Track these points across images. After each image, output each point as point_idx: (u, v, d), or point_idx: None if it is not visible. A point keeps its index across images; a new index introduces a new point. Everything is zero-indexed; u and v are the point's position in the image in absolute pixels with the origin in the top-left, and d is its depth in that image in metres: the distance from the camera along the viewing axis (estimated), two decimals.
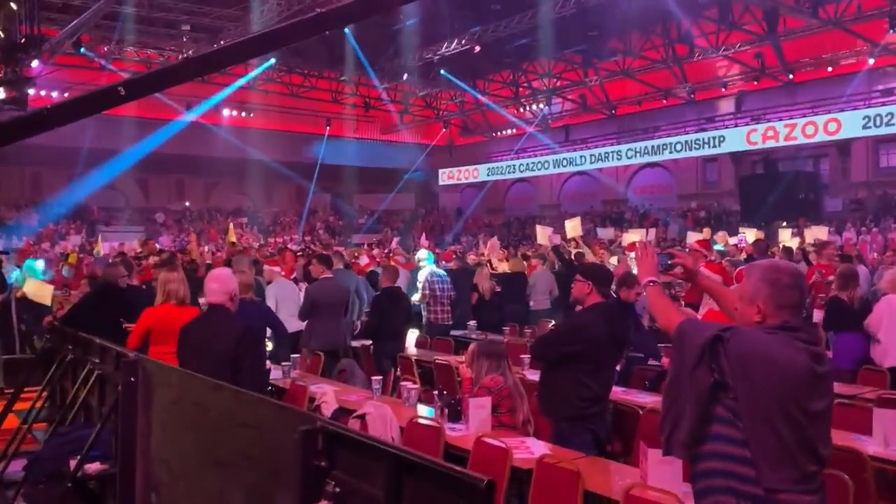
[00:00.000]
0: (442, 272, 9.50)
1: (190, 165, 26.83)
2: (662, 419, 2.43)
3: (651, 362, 7.01)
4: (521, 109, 29.84)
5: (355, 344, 8.33)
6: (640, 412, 4.80)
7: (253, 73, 24.33)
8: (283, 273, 9.16)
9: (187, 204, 29.51)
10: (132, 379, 4.04)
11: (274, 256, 11.79)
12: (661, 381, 6.32)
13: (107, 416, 4.26)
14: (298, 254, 12.33)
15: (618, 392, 5.13)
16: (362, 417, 4.35)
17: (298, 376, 6.35)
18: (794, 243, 13.08)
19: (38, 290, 8.39)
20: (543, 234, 12.83)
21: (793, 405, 2.19)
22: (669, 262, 3.02)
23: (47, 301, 8.17)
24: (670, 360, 2.50)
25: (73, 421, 4.98)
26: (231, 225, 11.47)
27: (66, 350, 5.84)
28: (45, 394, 6.00)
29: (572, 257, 11.35)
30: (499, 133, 32.46)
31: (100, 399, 4.92)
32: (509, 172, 30.82)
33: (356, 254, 13.93)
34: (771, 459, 2.17)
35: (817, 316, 8.73)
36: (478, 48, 21.82)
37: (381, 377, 5.74)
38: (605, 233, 14.51)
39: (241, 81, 24.79)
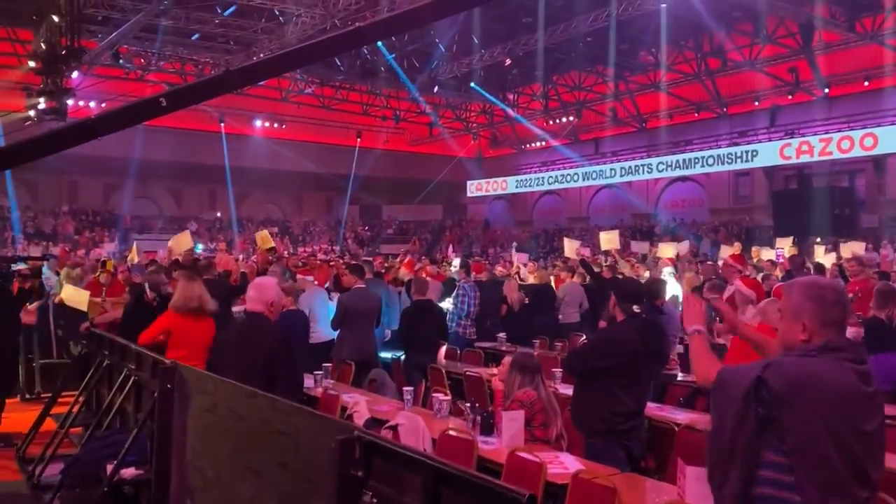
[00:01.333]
0: (466, 286, 9.46)
1: (222, 175, 27.18)
2: (710, 472, 2.36)
3: (682, 377, 6.92)
4: (551, 122, 29.80)
5: (385, 355, 8.33)
6: (676, 429, 4.73)
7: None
8: (315, 282, 9.22)
9: (218, 214, 29.89)
10: (168, 385, 4.09)
11: (304, 266, 11.86)
12: (695, 397, 6.24)
13: (143, 422, 4.31)
14: (331, 263, 12.41)
15: (652, 408, 5.06)
16: (394, 428, 4.34)
17: (330, 386, 6.36)
18: (828, 260, 12.86)
19: (74, 296, 8.53)
20: (571, 247, 12.78)
21: (844, 428, 2.13)
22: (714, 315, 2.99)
23: (84, 307, 8.31)
24: (711, 413, 2.43)
25: (110, 426, 5.06)
26: (266, 231, 11.50)
27: (103, 356, 5.94)
28: (81, 399, 6.11)
29: (603, 270, 11.27)
30: (528, 145, 32.42)
31: (136, 405, 4.99)
32: (538, 185, 30.76)
33: (391, 265, 13.95)
34: (823, 489, 2.10)
35: (850, 332, 8.55)
36: (508, 61, 21.86)
37: (412, 388, 5.73)
38: (640, 246, 14.39)
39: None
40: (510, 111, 28.46)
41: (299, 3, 17.30)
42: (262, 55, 19.03)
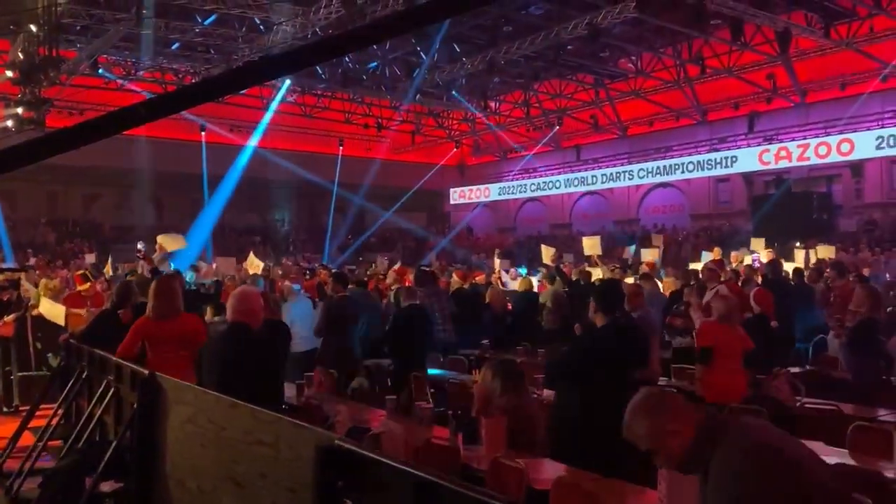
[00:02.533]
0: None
1: (203, 184, 27.02)
2: None
3: (664, 382, 6.97)
4: (531, 129, 29.97)
5: (369, 362, 8.32)
6: None
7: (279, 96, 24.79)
8: (301, 291, 9.21)
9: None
10: (148, 397, 4.06)
11: (290, 275, 11.84)
12: None
13: (122, 434, 4.27)
14: (315, 272, 12.39)
15: None
16: (377, 437, 4.34)
17: (312, 394, 6.34)
18: (800, 256, 13.01)
19: (52, 310, 8.44)
20: (548, 254, 12.81)
21: None
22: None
23: (60, 320, 8.23)
24: None
25: (89, 438, 5.00)
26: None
27: (82, 368, 5.88)
28: (60, 411, 6.04)
29: (577, 276, 11.32)
30: (510, 153, 32.56)
31: (115, 417, 4.94)
32: (520, 192, 30.89)
33: (374, 272, 13.93)
34: None
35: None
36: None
37: (395, 396, 5.73)
38: (627, 252, 14.45)
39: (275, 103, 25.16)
40: (486, 120, 28.57)
41: (280, 11, 17.30)
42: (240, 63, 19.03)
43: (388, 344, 7.69)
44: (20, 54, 15.78)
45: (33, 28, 14.55)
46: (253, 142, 25.97)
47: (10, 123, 15.01)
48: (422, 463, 4.14)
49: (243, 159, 25.69)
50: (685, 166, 24.87)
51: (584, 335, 4.85)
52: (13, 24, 15.47)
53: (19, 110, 14.86)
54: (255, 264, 12.15)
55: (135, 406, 4.20)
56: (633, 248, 14.76)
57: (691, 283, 9.46)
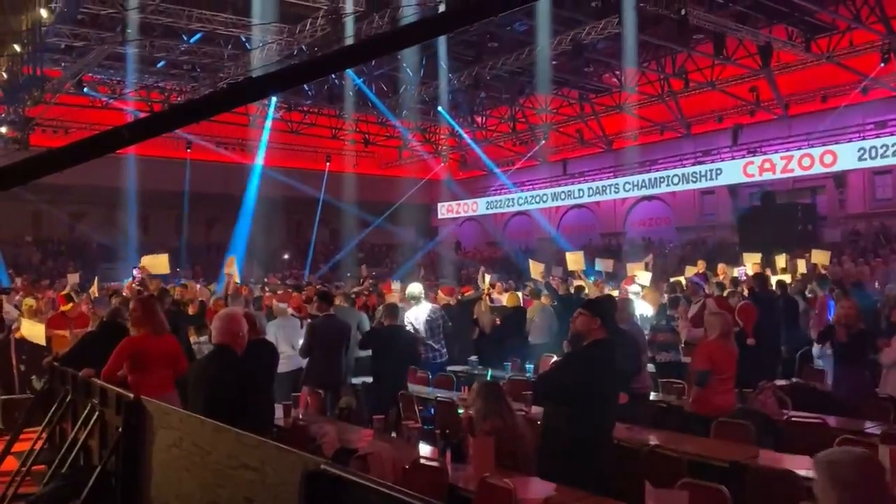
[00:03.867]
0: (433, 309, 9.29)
1: (190, 202, 26.95)
2: None
3: (653, 397, 6.99)
4: (518, 144, 30.13)
5: (356, 381, 8.28)
6: (645, 449, 4.76)
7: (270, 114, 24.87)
8: (290, 310, 9.17)
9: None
10: (132, 421, 4.03)
11: (277, 292, 11.78)
12: (664, 417, 6.29)
13: (107, 458, 4.23)
14: (299, 289, 12.33)
15: (621, 429, 5.09)
16: (364, 458, 4.31)
17: (299, 415, 6.30)
18: (781, 261, 13.05)
19: (32, 330, 8.36)
20: (536, 270, 12.78)
21: None
22: None
23: (41, 340, 8.14)
24: None
25: (73, 463, 4.94)
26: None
27: (66, 391, 5.82)
28: (44, 435, 5.96)
29: (571, 291, 11.34)
30: (497, 167, 32.67)
31: (100, 441, 4.89)
32: (508, 206, 30.97)
33: (361, 289, 13.88)
34: None
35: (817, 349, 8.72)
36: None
37: (382, 416, 5.70)
38: (605, 264, 14.38)
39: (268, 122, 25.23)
40: (467, 139, 28.70)
41: (265, 29, 17.33)
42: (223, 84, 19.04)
43: (371, 363, 7.64)
44: (4, 73, 15.74)
45: (17, 48, 14.52)
46: (259, 160, 25.97)
47: None
48: (410, 483, 4.13)
49: (255, 177, 25.71)
50: (670, 179, 25.01)
51: (575, 351, 4.82)
52: None
53: (3, 129, 14.81)
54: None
55: (120, 430, 4.16)
56: (597, 266, 14.53)
57: (677, 295, 9.51)
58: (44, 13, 13.88)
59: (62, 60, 18.84)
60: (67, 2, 14.07)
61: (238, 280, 11.43)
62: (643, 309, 9.32)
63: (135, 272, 10.18)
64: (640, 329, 7.54)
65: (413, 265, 26.19)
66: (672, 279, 11.81)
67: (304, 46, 17.54)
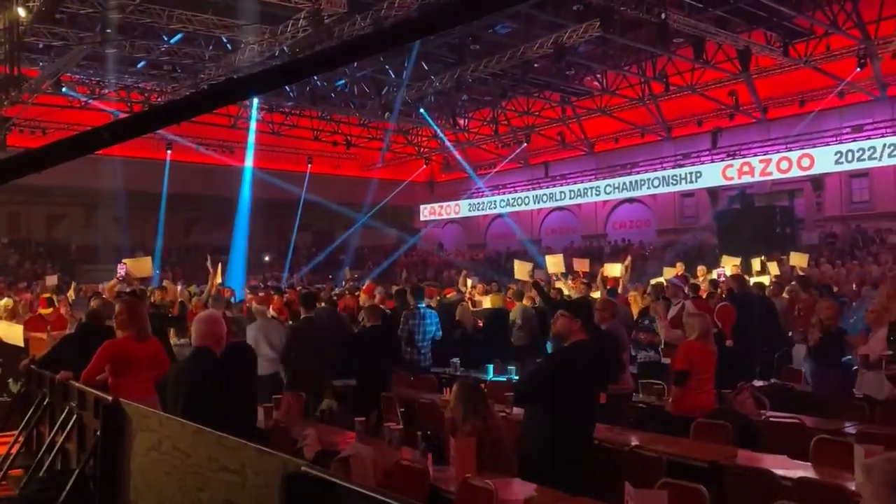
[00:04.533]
0: (427, 312, 9.37)
1: (170, 203, 26.73)
2: None
3: (636, 398, 7.04)
4: (500, 146, 30.23)
5: (338, 383, 8.25)
6: (625, 450, 4.80)
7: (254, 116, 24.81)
8: (271, 312, 9.13)
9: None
10: (111, 423, 3.99)
11: (258, 295, 11.73)
12: (645, 417, 6.34)
13: (85, 462, 4.19)
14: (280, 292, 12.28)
15: (601, 430, 5.12)
16: (345, 460, 4.31)
17: (280, 417, 6.28)
18: (759, 273, 13.20)
19: (9, 332, 8.26)
20: (522, 270, 12.70)
21: None
22: None
23: (20, 342, 8.04)
24: None
25: (51, 467, 4.90)
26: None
27: (44, 394, 5.76)
28: (21, 439, 5.90)
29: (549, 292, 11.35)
30: (479, 169, 32.77)
31: (78, 444, 4.85)
32: (490, 208, 31.05)
33: (342, 292, 13.85)
34: None
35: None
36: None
37: (364, 418, 5.69)
38: (580, 264, 14.32)
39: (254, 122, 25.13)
40: (449, 141, 28.76)
41: (247, 31, 17.25)
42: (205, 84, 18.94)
43: (353, 364, 7.64)
44: None
45: None
46: (248, 162, 25.87)
47: None
48: (391, 485, 4.13)
49: (247, 180, 25.60)
50: (651, 182, 25.22)
51: (556, 352, 4.85)
52: None
53: None
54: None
55: (98, 433, 4.13)
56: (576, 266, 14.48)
57: (659, 297, 9.58)
58: (21, 12, 13.72)
59: (40, 60, 18.63)
60: (46, 0, 13.92)
61: (220, 281, 11.37)
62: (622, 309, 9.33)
63: (119, 269, 10.06)
64: (622, 328, 7.59)
65: (393, 267, 26.20)
66: (653, 281, 11.86)
67: (285, 48, 17.47)
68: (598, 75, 23.89)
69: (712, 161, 24.19)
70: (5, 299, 10.22)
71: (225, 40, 18.65)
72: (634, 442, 5.16)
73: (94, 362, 5.16)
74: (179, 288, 11.65)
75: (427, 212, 32.91)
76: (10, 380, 8.39)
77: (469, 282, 13.64)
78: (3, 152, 17.34)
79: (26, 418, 5.87)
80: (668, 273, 12.80)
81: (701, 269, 13.81)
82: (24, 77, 16.77)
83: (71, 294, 12.11)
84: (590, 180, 28.00)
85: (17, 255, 25.66)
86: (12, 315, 8.99)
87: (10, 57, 14.12)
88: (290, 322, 8.75)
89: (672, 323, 8.24)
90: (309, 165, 29.64)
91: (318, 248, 32.19)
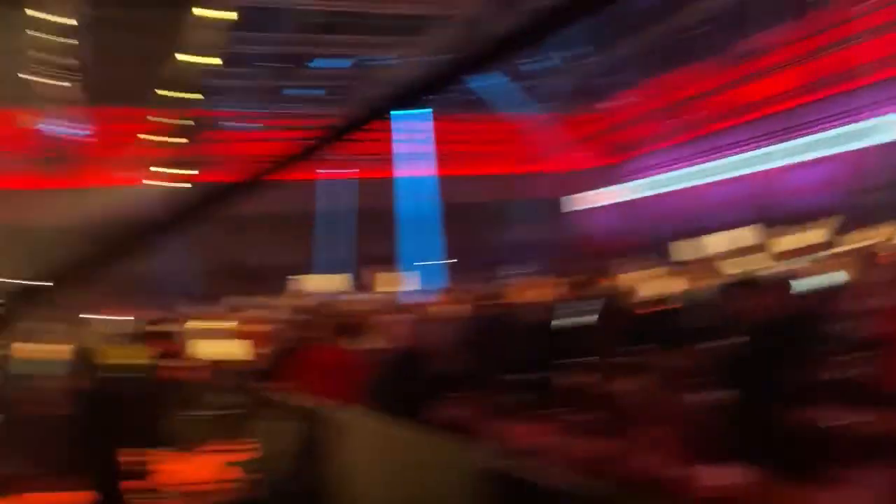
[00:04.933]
0: None
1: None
2: None
3: None
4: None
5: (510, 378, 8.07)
6: None
7: None
8: None
9: None
10: (316, 430, 4.15)
11: None
12: None
13: (297, 469, 4.38)
14: None
15: None
16: (537, 453, 4.22)
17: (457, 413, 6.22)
18: None
19: (231, 349, 8.62)
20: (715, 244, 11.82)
21: None
22: None
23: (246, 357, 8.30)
24: None
25: (265, 475, 5.14)
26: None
27: (250, 403, 6.12)
28: (231, 448, 6.24)
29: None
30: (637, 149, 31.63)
31: (288, 451, 5.07)
32: (658, 187, 30.06)
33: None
34: None
35: None
36: None
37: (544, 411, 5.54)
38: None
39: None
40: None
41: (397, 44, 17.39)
42: None
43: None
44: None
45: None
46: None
47: None
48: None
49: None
50: (826, 141, 23.25)
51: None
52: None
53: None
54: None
55: (304, 439, 4.34)
56: None
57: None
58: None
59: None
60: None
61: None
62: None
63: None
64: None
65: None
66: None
67: (435, 55, 17.52)
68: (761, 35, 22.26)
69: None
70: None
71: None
72: None
73: (299, 371, 5.49)
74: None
75: (584, 199, 32.22)
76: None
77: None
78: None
79: (234, 428, 6.20)
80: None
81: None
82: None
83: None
84: (761, 146, 26.29)
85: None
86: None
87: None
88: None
89: None
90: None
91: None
